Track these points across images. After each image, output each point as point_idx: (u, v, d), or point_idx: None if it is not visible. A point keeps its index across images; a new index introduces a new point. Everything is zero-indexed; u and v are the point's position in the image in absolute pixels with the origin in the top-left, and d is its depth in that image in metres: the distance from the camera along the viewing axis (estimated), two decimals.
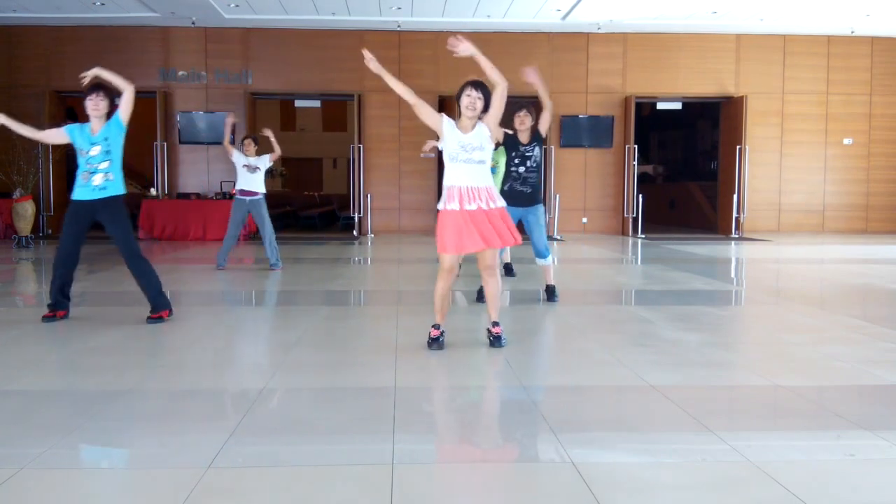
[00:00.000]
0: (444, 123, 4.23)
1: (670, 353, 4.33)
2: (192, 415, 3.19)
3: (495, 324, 4.43)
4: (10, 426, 3.00)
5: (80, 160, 4.89)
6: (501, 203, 4.29)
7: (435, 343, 4.33)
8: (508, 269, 7.79)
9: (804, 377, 3.77)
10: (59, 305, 5.15)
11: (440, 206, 4.28)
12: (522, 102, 5.83)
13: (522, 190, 5.78)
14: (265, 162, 8.50)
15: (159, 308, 5.14)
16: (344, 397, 3.41)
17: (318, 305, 6.27)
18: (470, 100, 4.18)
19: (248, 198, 8.40)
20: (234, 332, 5.32)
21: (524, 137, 5.79)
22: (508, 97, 4.24)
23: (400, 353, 4.23)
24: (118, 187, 4.98)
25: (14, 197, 11.82)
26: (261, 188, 8.45)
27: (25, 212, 11.67)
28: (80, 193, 4.90)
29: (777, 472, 2.48)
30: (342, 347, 4.58)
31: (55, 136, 4.99)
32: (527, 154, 5.77)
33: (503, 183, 5.86)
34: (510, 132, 5.81)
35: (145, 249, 5.18)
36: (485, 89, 4.22)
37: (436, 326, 4.38)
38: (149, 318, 5.10)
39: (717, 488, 2.38)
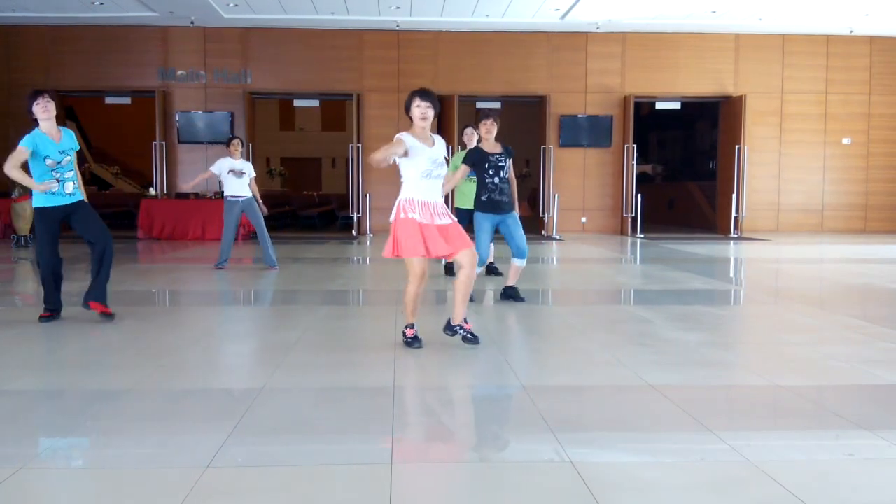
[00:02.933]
0: (408, 142, 4.16)
1: (670, 353, 4.33)
2: (191, 415, 3.19)
3: (465, 320, 4.40)
4: (10, 426, 3.00)
5: (43, 168, 4.92)
6: (449, 219, 4.30)
7: (416, 341, 4.36)
8: (494, 270, 7.76)
9: (804, 377, 3.77)
10: (60, 306, 5.21)
11: (398, 216, 4.21)
12: (486, 111, 5.83)
13: (501, 199, 5.75)
14: (250, 168, 8.46)
15: (104, 299, 5.19)
16: (343, 397, 3.41)
17: (318, 305, 6.27)
18: (421, 110, 4.20)
19: (240, 199, 8.36)
20: (233, 331, 5.33)
21: (491, 147, 5.78)
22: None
23: (399, 353, 4.23)
24: (81, 192, 5.19)
25: (13, 196, 11.79)
26: (248, 192, 8.42)
27: (24, 211, 11.62)
28: (54, 200, 4.99)
29: (777, 471, 2.48)
30: (341, 347, 4.58)
31: (22, 156, 4.89)
32: (499, 164, 5.75)
33: (479, 193, 5.77)
34: (479, 146, 5.79)
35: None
36: (432, 97, 4.25)
37: (410, 326, 4.41)
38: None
39: (717, 488, 2.38)
